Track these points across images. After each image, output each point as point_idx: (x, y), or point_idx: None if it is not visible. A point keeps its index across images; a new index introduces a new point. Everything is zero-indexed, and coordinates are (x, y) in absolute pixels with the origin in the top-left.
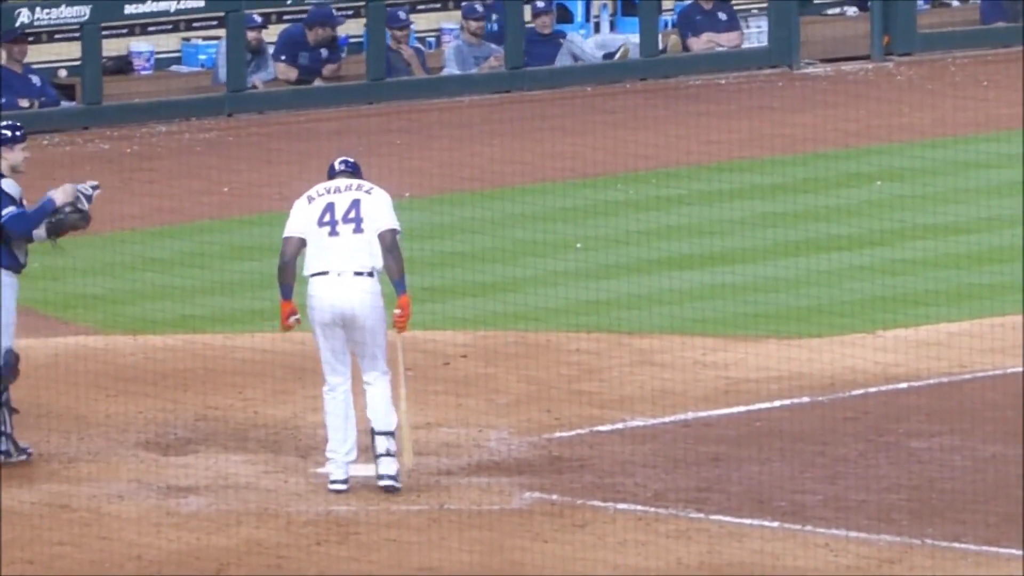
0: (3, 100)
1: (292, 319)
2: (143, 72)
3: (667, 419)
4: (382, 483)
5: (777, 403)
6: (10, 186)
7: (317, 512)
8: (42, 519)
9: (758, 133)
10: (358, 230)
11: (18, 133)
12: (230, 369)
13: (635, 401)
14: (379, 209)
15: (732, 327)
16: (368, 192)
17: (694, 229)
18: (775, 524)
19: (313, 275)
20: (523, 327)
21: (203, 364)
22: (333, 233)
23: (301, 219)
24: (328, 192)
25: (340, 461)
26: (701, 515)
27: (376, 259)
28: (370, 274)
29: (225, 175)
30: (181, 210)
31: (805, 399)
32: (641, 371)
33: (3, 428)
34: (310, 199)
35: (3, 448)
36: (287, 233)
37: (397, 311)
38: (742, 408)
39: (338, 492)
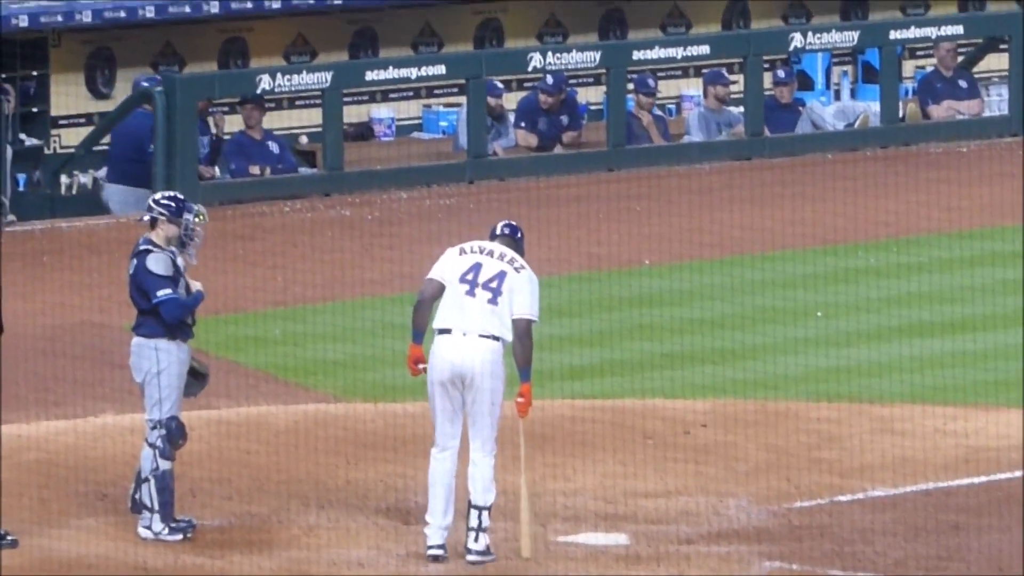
0: (233, 166)
1: (420, 366)
2: (384, 138)
3: (907, 488)
4: (468, 558)
5: (1018, 472)
6: (156, 262)
7: None
8: None
9: (999, 200)
10: (493, 301)
11: (173, 207)
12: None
13: (875, 470)
14: (521, 292)
15: (973, 395)
16: (517, 270)
17: (935, 296)
18: None
19: (439, 331)
20: (763, 395)
21: None
22: (470, 293)
23: (447, 267)
24: (480, 252)
25: (437, 527)
26: None
27: (505, 330)
28: (495, 338)
29: (466, 242)
30: (421, 276)
31: None
32: (881, 439)
33: (151, 505)
34: (462, 251)
35: (154, 528)
36: (430, 275)
37: (520, 399)
38: (982, 477)
39: (435, 558)
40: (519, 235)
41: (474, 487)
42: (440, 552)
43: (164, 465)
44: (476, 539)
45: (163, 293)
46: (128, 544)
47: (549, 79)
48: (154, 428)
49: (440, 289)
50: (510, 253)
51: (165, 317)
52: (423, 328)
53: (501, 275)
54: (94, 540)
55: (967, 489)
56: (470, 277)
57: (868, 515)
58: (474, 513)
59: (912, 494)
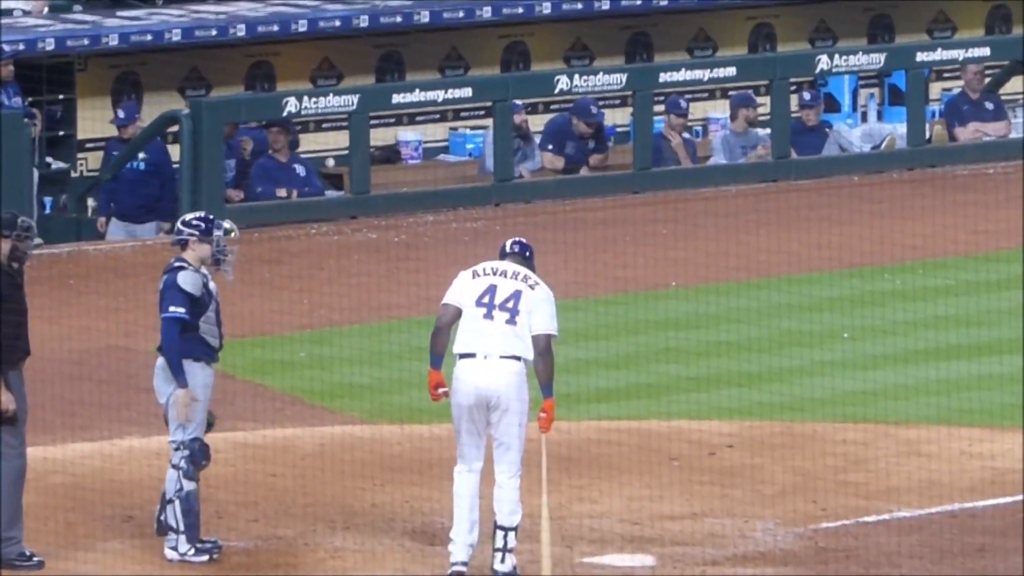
0: (260, 189)
1: (440, 391)
2: (411, 161)
3: (933, 510)
4: None
5: None
6: (186, 280)
7: None
8: None
9: None
10: (511, 321)
11: (202, 226)
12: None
13: (901, 492)
14: (539, 309)
15: (999, 418)
16: (532, 287)
17: (961, 319)
18: None
19: (460, 356)
20: (789, 417)
21: None
22: (488, 316)
23: (462, 291)
24: (494, 273)
25: (462, 543)
26: None
27: (526, 350)
28: (517, 359)
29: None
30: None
31: None
32: (908, 462)
33: (176, 526)
34: (475, 274)
35: (180, 549)
36: (446, 300)
37: (542, 414)
38: (1008, 499)
39: (458, 574)
40: (528, 253)
41: (500, 509)
42: (463, 569)
43: (188, 486)
44: (503, 560)
45: (175, 310)
46: (154, 567)
47: (593, 108)
48: (177, 449)
49: (458, 314)
50: (523, 271)
51: (162, 332)
52: (442, 353)
53: (517, 294)
54: (120, 563)
55: (993, 511)
56: (486, 300)
57: (894, 537)
58: (500, 534)
59: (938, 516)
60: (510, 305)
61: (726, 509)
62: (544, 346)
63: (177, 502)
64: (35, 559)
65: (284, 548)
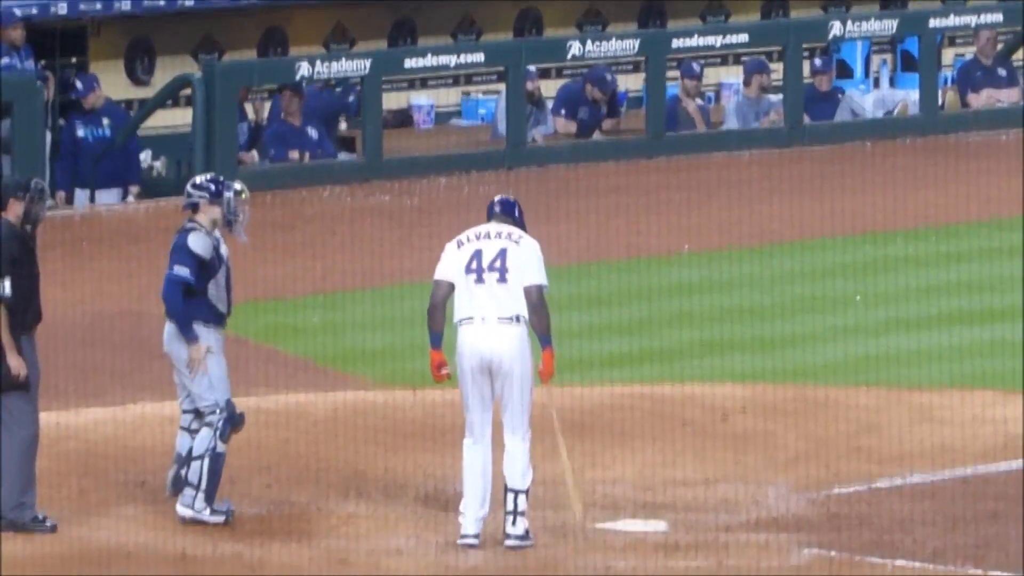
0: (272, 152)
1: (443, 371)
2: (423, 126)
3: (946, 475)
4: (507, 542)
5: None
6: (197, 241)
7: (595, 568)
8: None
9: None
10: (502, 280)
11: (212, 188)
12: None
13: (914, 457)
14: (527, 262)
15: (1011, 383)
16: (516, 242)
17: (973, 285)
18: None
19: (460, 322)
20: (802, 382)
21: None
22: (479, 281)
23: (450, 263)
24: (478, 238)
25: (473, 517)
26: (979, 572)
27: (522, 308)
28: (516, 319)
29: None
30: None
31: None
32: (920, 427)
33: (198, 483)
34: (459, 244)
35: (196, 506)
36: (437, 276)
37: (540, 366)
38: (1021, 463)
39: (469, 546)
40: (517, 212)
41: (511, 472)
42: (474, 541)
43: (221, 447)
44: (514, 522)
45: (179, 270)
46: (167, 533)
47: (608, 76)
48: (213, 412)
49: (450, 289)
50: (506, 229)
51: (163, 289)
52: (441, 331)
53: (502, 252)
54: (133, 528)
55: (1006, 476)
56: (474, 265)
57: (907, 504)
58: (511, 497)
59: (950, 482)
60: (498, 265)
61: (739, 475)
62: (537, 297)
63: (207, 461)
64: (48, 522)
65: (297, 513)
